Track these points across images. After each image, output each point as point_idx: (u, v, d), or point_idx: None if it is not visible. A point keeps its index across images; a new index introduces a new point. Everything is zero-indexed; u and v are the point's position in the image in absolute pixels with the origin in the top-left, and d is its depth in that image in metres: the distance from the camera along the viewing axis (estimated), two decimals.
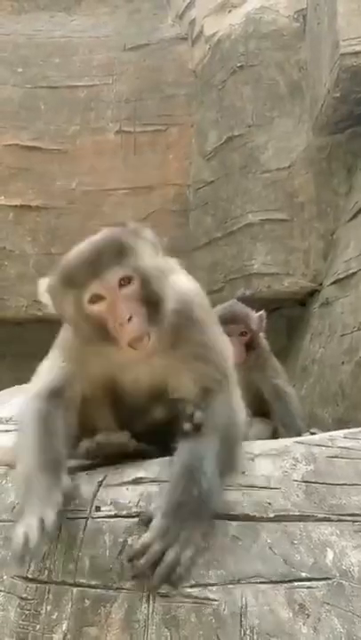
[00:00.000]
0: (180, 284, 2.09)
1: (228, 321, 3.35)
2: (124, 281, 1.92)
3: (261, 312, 3.74)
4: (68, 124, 6.07)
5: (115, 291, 1.91)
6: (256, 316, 3.67)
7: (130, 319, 1.88)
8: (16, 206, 5.89)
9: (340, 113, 4.78)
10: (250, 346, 3.57)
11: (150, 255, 1.99)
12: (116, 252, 1.93)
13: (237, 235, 5.48)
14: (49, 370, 2.12)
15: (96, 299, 1.92)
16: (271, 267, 5.30)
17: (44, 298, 2.04)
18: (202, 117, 5.95)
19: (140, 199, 5.84)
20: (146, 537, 1.75)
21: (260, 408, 3.58)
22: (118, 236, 1.98)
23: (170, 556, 1.72)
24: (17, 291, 5.59)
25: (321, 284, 4.99)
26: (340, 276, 4.58)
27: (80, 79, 6.19)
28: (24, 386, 2.80)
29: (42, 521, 1.74)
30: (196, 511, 1.78)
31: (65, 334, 2.14)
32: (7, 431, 2.72)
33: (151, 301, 1.93)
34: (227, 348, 2.18)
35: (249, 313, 3.66)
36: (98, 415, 2.17)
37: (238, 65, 5.61)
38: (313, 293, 5.09)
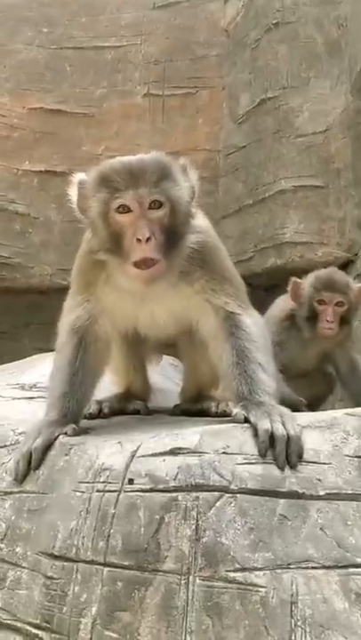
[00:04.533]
0: (200, 222, 2.18)
1: (325, 288, 3.14)
2: (155, 204, 1.96)
3: None
4: (94, 87, 5.89)
5: (144, 208, 1.95)
6: (357, 288, 3.25)
7: (148, 239, 1.91)
8: (41, 172, 5.73)
9: None
10: (344, 319, 3.18)
11: (186, 193, 2.03)
12: (159, 174, 1.97)
13: (269, 202, 5.30)
14: (71, 307, 2.22)
15: (124, 209, 1.96)
16: (304, 235, 5.13)
17: (72, 192, 2.08)
18: (234, 79, 5.71)
19: None
20: (263, 429, 1.78)
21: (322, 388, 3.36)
22: (167, 163, 2.03)
23: (289, 431, 1.78)
24: (41, 259, 5.47)
25: (356, 255, 4.80)
26: None
27: (107, 39, 5.98)
28: (48, 354, 2.67)
29: (29, 453, 1.97)
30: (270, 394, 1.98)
31: (83, 268, 2.20)
32: (31, 398, 2.58)
33: (172, 234, 1.98)
34: (242, 282, 2.30)
35: (350, 282, 3.27)
36: (117, 355, 2.39)
37: (273, 22, 5.36)
38: (348, 264, 4.89)
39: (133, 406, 2.46)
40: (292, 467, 1.71)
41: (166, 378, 3.03)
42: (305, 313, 3.18)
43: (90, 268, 2.15)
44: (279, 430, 1.77)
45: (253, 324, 2.15)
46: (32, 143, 5.68)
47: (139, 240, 1.91)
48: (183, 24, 5.90)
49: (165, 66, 5.86)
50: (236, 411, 1.92)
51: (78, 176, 2.10)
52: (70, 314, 2.20)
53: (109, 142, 5.69)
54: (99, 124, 5.75)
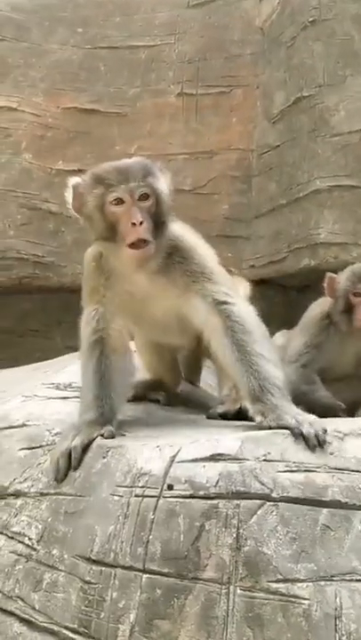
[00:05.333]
0: (176, 227, 2.42)
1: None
2: (143, 196, 2.25)
3: None
4: (128, 87, 5.86)
5: (135, 199, 2.24)
6: None
7: (141, 223, 2.18)
8: (74, 171, 5.69)
9: None
10: None
11: (166, 187, 2.33)
12: (144, 172, 2.28)
13: (303, 202, 5.20)
14: (86, 321, 2.40)
15: (118, 202, 2.23)
16: (339, 236, 5.03)
17: (69, 193, 2.34)
18: (268, 78, 5.63)
19: (201, 164, 5.60)
20: (286, 416, 1.92)
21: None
22: (147, 163, 2.36)
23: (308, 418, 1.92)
24: (73, 258, 5.45)
25: None
26: None
27: (141, 39, 5.95)
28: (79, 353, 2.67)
29: (69, 451, 2.03)
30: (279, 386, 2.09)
31: (88, 275, 2.49)
32: (66, 398, 2.57)
33: (158, 220, 2.26)
34: (229, 277, 2.45)
35: None
36: (143, 349, 2.68)
37: (310, 20, 5.26)
38: None
39: (156, 396, 2.66)
40: (322, 444, 1.79)
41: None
42: (341, 307, 3.15)
43: (92, 272, 2.45)
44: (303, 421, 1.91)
45: (246, 313, 2.26)
46: (66, 143, 5.68)
47: (133, 224, 2.18)
48: (218, 22, 5.84)
49: (199, 65, 5.80)
50: (259, 419, 2.01)
51: (73, 180, 2.38)
52: (86, 328, 2.39)
53: (142, 142, 5.67)
54: (132, 124, 5.72)
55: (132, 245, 2.19)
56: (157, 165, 2.38)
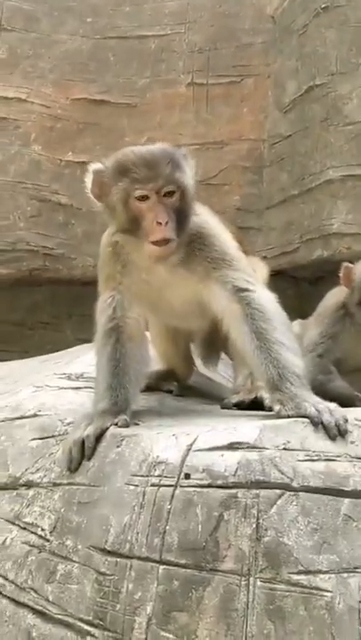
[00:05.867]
0: (198, 212, 2.39)
1: None
2: (169, 193, 2.21)
3: None
4: (137, 77, 5.81)
5: (160, 196, 2.20)
6: None
7: (167, 223, 2.15)
8: (84, 162, 5.64)
9: None
10: None
11: (191, 179, 2.30)
12: (171, 166, 2.22)
13: (316, 192, 5.13)
14: (102, 309, 2.35)
15: (143, 198, 2.19)
16: (352, 226, 4.96)
17: (89, 179, 2.31)
18: (280, 67, 5.56)
19: (212, 155, 5.55)
20: (305, 404, 1.89)
21: None
22: (174, 154, 2.28)
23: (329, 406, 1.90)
24: (84, 250, 5.43)
25: None
26: None
27: (151, 28, 5.89)
28: (91, 345, 2.65)
29: (82, 440, 1.99)
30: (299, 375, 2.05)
31: (103, 261, 2.41)
32: (78, 388, 2.54)
33: (181, 216, 2.23)
34: (249, 265, 2.42)
35: None
36: (157, 339, 2.65)
37: (322, 6, 5.18)
38: None
39: (168, 387, 2.63)
40: (343, 434, 1.75)
41: (215, 372, 2.96)
42: (357, 297, 3.09)
43: (108, 259, 2.38)
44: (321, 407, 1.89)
45: (266, 299, 2.23)
46: (75, 134, 5.64)
47: (159, 223, 2.15)
48: (228, 11, 5.77)
49: (210, 54, 5.74)
50: (278, 408, 1.97)
51: (94, 165, 2.34)
52: (102, 315, 2.35)
53: (152, 133, 5.61)
54: (142, 115, 5.67)
55: (156, 243, 2.17)
56: (182, 153, 2.33)
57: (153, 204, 2.18)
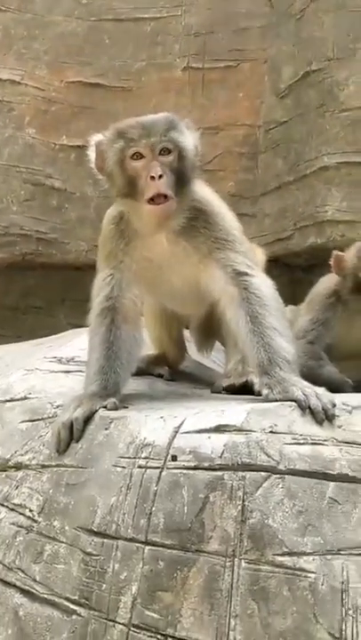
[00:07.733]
0: (203, 189, 2.37)
1: None
2: (165, 151, 2.19)
3: None
4: (133, 60, 5.75)
5: (155, 154, 2.18)
6: None
7: (160, 177, 2.12)
8: (78, 147, 5.62)
9: None
10: None
11: (191, 143, 2.28)
12: (167, 126, 2.23)
13: (310, 179, 5.12)
14: (100, 286, 2.32)
15: (138, 156, 2.18)
16: (347, 214, 4.95)
17: (91, 151, 2.32)
18: (277, 51, 5.52)
19: (207, 140, 5.43)
20: (293, 388, 1.89)
21: None
22: (172, 117, 2.31)
23: (316, 390, 1.90)
24: (77, 234, 5.41)
25: None
26: None
27: (147, 11, 5.82)
28: (83, 329, 2.65)
29: (70, 422, 1.99)
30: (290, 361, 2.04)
31: (105, 238, 2.37)
32: (68, 371, 2.54)
33: (180, 176, 2.20)
34: (251, 247, 2.45)
35: None
36: (151, 323, 2.64)
37: None
38: None
39: (159, 371, 2.62)
40: (330, 418, 1.76)
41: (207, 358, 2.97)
42: (349, 284, 3.10)
43: (111, 236, 2.34)
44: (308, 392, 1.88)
45: (264, 285, 2.23)
46: (70, 117, 5.59)
47: (152, 177, 2.12)
48: None
49: (206, 38, 5.68)
50: (266, 392, 1.97)
51: (95, 137, 2.34)
52: (99, 293, 2.31)
53: None
54: (137, 98, 5.61)
55: (152, 201, 2.13)
56: (184, 121, 2.32)
57: (148, 162, 2.15)
